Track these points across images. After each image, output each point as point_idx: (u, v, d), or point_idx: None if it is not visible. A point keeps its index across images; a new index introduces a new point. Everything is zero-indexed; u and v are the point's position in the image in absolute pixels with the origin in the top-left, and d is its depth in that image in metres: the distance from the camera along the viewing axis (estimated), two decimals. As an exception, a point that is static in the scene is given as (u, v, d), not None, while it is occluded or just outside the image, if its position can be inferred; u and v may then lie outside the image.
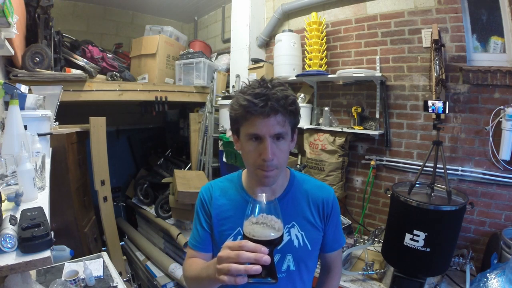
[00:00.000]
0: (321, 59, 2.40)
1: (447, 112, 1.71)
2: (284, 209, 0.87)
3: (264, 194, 0.64)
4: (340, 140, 2.31)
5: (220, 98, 3.00)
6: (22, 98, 1.36)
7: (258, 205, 0.62)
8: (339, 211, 0.94)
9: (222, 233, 0.86)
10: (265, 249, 0.57)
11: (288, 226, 0.86)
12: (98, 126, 2.52)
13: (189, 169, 3.34)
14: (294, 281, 0.86)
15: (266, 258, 0.56)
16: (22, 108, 1.34)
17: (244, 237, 0.60)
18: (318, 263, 1.01)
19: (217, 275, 0.60)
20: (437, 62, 1.79)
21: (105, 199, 2.58)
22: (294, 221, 0.87)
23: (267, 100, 0.72)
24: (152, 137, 4.56)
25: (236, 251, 0.57)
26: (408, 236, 1.56)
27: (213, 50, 3.80)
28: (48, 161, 1.37)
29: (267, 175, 0.77)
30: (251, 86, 0.77)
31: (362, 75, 2.17)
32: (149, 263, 2.99)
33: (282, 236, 0.62)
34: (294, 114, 0.78)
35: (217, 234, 0.87)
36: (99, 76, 2.71)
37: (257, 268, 0.55)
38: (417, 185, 1.80)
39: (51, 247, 0.69)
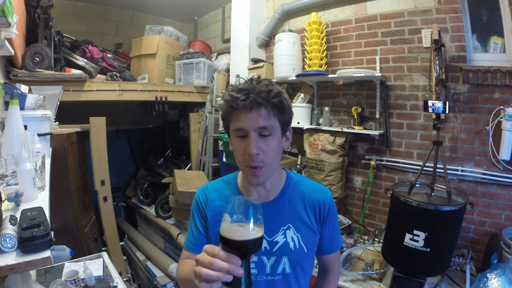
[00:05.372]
0: (321, 59, 2.40)
1: (447, 112, 1.71)
2: (280, 211, 0.86)
3: (243, 197, 0.63)
4: (340, 140, 2.31)
5: (220, 98, 2.99)
6: (22, 98, 1.36)
7: (236, 205, 0.58)
8: (336, 213, 0.93)
9: (217, 234, 0.85)
10: (238, 260, 0.55)
11: (283, 228, 0.85)
12: (98, 126, 2.52)
13: (189, 169, 3.34)
14: (290, 284, 0.86)
15: (239, 270, 0.54)
16: (22, 108, 1.34)
17: (220, 237, 0.57)
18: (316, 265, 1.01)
19: (193, 278, 0.58)
20: (437, 62, 1.79)
21: (105, 199, 2.58)
22: (290, 223, 0.86)
23: (248, 94, 0.73)
24: (152, 137, 4.55)
25: (210, 258, 0.55)
26: (408, 236, 1.56)
27: (213, 50, 3.80)
28: (48, 161, 1.37)
29: (254, 172, 0.76)
30: (238, 83, 0.79)
31: (362, 75, 2.17)
32: (149, 263, 2.99)
33: (259, 243, 0.57)
34: (279, 108, 0.76)
35: (212, 235, 0.86)
36: (99, 76, 2.71)
37: (229, 277, 0.54)
38: (417, 185, 1.80)
39: (51, 247, 0.69)
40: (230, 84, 0.79)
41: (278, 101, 0.75)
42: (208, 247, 0.58)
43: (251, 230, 0.56)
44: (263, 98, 0.73)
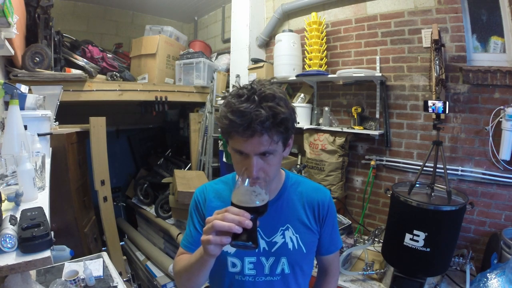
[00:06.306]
0: (321, 59, 2.40)
1: (447, 112, 1.71)
2: (279, 211, 0.86)
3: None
4: (340, 140, 2.31)
5: (220, 98, 3.00)
6: (22, 98, 1.36)
7: (244, 179, 0.67)
8: (335, 213, 0.93)
9: None
10: (247, 214, 0.61)
11: (282, 229, 0.85)
12: (98, 126, 2.52)
13: (189, 169, 3.34)
14: (289, 284, 0.85)
15: (248, 222, 0.60)
16: (22, 108, 1.34)
17: (232, 205, 0.65)
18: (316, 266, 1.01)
19: (203, 237, 0.62)
20: (437, 62, 1.79)
21: (105, 199, 2.58)
22: (288, 224, 0.85)
23: (250, 122, 0.66)
24: (152, 137, 4.55)
25: (222, 213, 0.62)
26: (408, 236, 1.56)
27: (213, 50, 3.80)
28: (48, 161, 1.37)
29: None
30: (238, 98, 0.69)
31: (362, 75, 2.17)
32: (149, 263, 3.00)
33: (265, 206, 0.65)
34: (283, 132, 0.71)
35: None
36: (99, 76, 2.71)
37: (239, 228, 0.60)
38: (417, 185, 1.80)
39: (51, 247, 0.69)
40: (229, 92, 0.68)
41: (283, 129, 0.70)
42: (218, 210, 0.64)
43: (259, 199, 0.65)
44: (266, 127, 0.67)
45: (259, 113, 0.66)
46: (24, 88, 1.51)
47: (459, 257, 1.67)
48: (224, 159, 2.82)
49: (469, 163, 1.94)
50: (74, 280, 1.36)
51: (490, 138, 1.82)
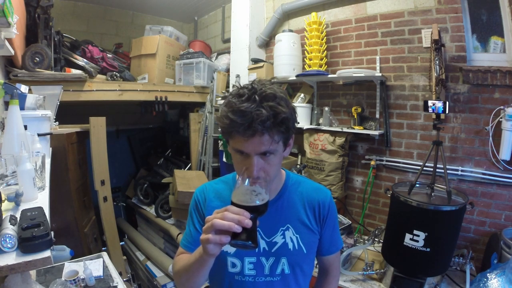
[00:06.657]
0: (321, 59, 2.40)
1: (447, 112, 1.71)
2: (279, 211, 0.86)
3: None
4: (340, 140, 2.31)
5: (220, 98, 3.00)
6: (22, 98, 1.36)
7: (245, 178, 0.67)
8: (336, 214, 0.93)
9: None
10: (247, 214, 0.61)
11: (282, 229, 0.85)
12: (98, 126, 2.52)
13: (189, 169, 3.34)
14: (289, 284, 0.85)
15: (248, 221, 0.60)
16: (22, 108, 1.34)
17: (232, 204, 0.65)
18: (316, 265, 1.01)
19: (203, 236, 0.62)
20: (437, 62, 1.79)
21: (105, 199, 2.58)
22: (289, 224, 0.85)
23: (251, 121, 0.66)
24: (152, 137, 4.55)
25: (222, 212, 0.62)
26: (408, 236, 1.56)
27: (213, 50, 3.80)
28: (48, 161, 1.37)
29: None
30: (238, 97, 0.69)
31: (362, 75, 2.17)
32: (149, 263, 2.99)
33: (265, 205, 0.65)
34: (284, 132, 0.71)
35: None
36: (99, 76, 2.71)
37: (239, 227, 0.59)
38: (417, 185, 1.80)
39: (51, 247, 0.69)
40: (229, 92, 0.68)
41: (284, 129, 0.70)
42: (217, 209, 0.64)
43: (259, 198, 0.65)
44: (266, 127, 0.67)
45: (260, 112, 0.66)
46: (24, 88, 1.51)
47: (459, 257, 1.67)
48: (224, 159, 2.82)
49: (469, 163, 1.94)
50: (74, 280, 1.36)
51: (490, 138, 1.83)
